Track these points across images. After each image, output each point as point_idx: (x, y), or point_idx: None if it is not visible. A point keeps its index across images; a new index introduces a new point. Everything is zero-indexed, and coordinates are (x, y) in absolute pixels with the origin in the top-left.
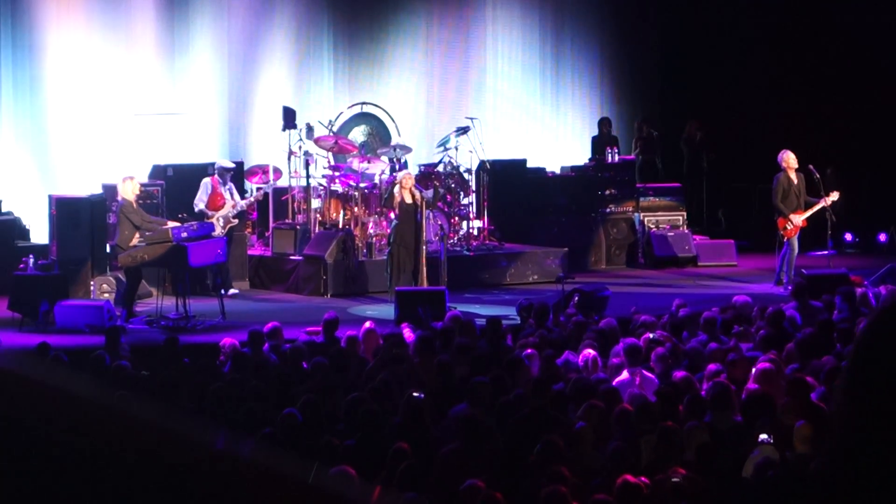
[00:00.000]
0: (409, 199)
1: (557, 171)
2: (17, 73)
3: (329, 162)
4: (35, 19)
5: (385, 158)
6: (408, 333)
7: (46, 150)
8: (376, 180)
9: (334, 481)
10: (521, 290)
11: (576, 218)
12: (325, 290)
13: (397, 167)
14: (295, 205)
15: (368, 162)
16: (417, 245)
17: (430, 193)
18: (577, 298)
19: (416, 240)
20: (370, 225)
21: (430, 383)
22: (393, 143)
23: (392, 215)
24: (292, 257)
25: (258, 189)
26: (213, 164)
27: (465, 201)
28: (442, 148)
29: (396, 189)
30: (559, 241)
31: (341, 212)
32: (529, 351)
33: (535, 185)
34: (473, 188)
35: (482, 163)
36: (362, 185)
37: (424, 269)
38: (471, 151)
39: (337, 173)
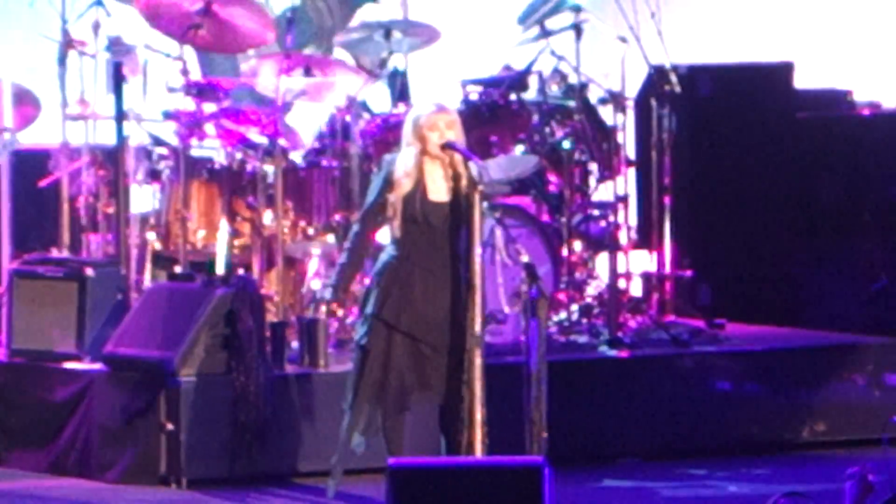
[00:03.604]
0: (439, 192)
1: (889, 103)
2: None
3: (185, 73)
4: None
5: (358, 61)
6: None
7: None
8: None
9: None
10: (782, 463)
11: None
12: (171, 471)
13: (394, 88)
14: (82, 203)
15: (307, 72)
16: (456, 322)
17: (498, 165)
18: None
19: (455, 308)
20: (314, 267)
21: None
22: (378, 16)
23: (384, 237)
24: (70, 366)
25: None
26: None
27: (599, 191)
28: (537, 28)
29: (407, 159)
30: None
31: (222, 224)
32: None
33: (824, 144)
34: (629, 154)
35: (655, 72)
36: (284, 143)
37: (480, 398)
38: (623, 40)
39: (211, 108)
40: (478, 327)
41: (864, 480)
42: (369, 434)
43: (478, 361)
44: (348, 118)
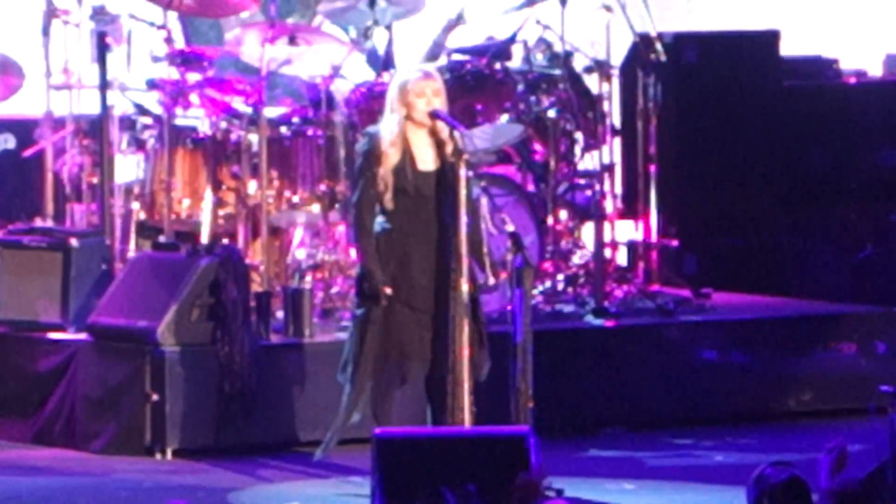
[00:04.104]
0: (426, 162)
1: (875, 71)
2: None
3: (169, 42)
4: None
5: (344, 31)
6: None
7: None
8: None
9: None
10: (768, 432)
11: None
12: (156, 441)
13: (375, 64)
14: (67, 173)
15: (292, 41)
16: (444, 291)
17: (483, 134)
18: None
19: (444, 277)
20: (298, 236)
21: None
22: None
23: (376, 209)
24: (54, 336)
25: None
26: None
27: (584, 160)
28: None
29: (391, 127)
30: (886, 282)
31: (207, 194)
32: None
33: (810, 113)
34: (615, 123)
35: (640, 40)
36: (271, 112)
37: (467, 368)
38: (608, 9)
39: (196, 77)
40: (464, 296)
41: (841, 453)
42: (367, 408)
43: (465, 330)
44: (333, 87)
